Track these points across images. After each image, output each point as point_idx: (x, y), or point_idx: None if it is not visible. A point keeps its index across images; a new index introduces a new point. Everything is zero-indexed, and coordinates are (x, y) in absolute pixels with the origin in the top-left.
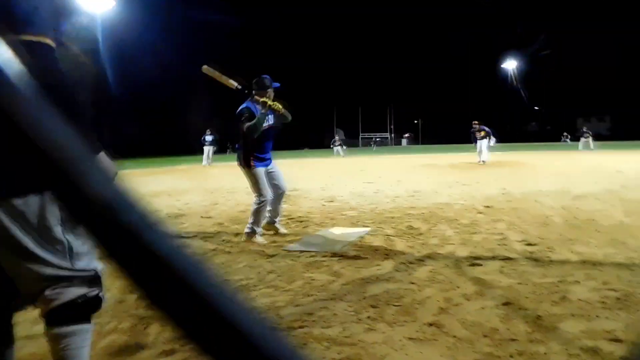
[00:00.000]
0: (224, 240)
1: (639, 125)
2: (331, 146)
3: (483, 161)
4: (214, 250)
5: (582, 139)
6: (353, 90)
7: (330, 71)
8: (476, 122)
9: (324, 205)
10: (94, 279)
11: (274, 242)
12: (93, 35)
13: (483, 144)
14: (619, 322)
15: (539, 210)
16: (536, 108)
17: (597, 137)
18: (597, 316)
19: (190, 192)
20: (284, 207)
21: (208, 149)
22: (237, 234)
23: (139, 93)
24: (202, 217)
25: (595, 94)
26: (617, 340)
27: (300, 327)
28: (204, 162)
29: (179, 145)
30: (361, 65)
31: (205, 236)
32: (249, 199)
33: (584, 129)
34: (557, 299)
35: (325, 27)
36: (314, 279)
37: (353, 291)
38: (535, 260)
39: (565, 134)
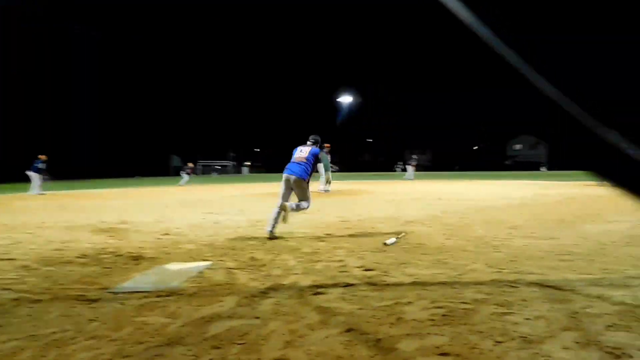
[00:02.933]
0: (32, 286)
1: (453, 158)
2: (180, 173)
3: (326, 190)
4: (16, 299)
5: (409, 167)
6: (191, 116)
7: (167, 93)
8: (327, 144)
9: (158, 239)
10: None
11: (96, 283)
12: None
13: (321, 172)
14: (445, 337)
15: (375, 236)
16: (369, 140)
17: (420, 168)
18: (428, 333)
19: None
20: (110, 242)
21: (37, 176)
22: (47, 277)
23: None
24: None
25: (419, 129)
26: (445, 354)
27: None
28: (36, 191)
29: None
30: (201, 92)
31: (5, 283)
32: (66, 236)
33: (414, 157)
34: (394, 321)
35: (165, 50)
36: (146, 323)
37: (192, 333)
38: (374, 284)
39: (399, 162)
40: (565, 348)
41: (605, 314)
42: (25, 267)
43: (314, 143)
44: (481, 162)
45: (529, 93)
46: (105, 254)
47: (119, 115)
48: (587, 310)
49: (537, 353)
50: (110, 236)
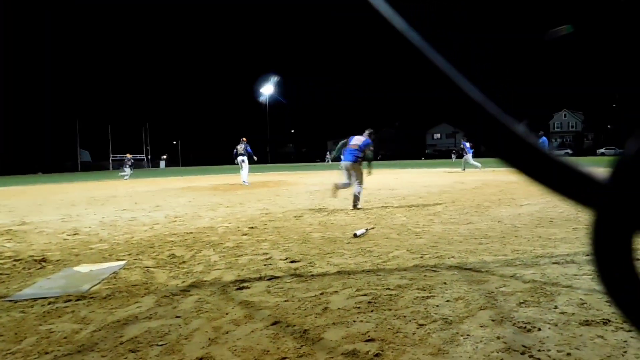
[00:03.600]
0: None
1: (376, 147)
2: (124, 167)
3: (244, 182)
4: None
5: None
6: (102, 105)
7: (73, 81)
8: (245, 138)
9: (65, 239)
10: None
11: None
12: None
13: (245, 165)
14: (371, 323)
15: (299, 227)
16: (292, 131)
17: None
18: (353, 321)
19: None
20: (7, 246)
21: None
22: None
23: None
24: None
25: (338, 122)
26: (371, 340)
27: None
28: None
29: None
30: (113, 78)
31: None
32: None
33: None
34: (320, 311)
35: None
36: (53, 331)
37: (107, 337)
38: (299, 276)
39: (328, 152)
40: (482, 326)
41: (518, 291)
42: None
43: (369, 135)
44: (402, 151)
45: (448, 89)
46: (1, 259)
47: (17, 105)
48: (502, 289)
49: (457, 332)
50: (7, 239)
